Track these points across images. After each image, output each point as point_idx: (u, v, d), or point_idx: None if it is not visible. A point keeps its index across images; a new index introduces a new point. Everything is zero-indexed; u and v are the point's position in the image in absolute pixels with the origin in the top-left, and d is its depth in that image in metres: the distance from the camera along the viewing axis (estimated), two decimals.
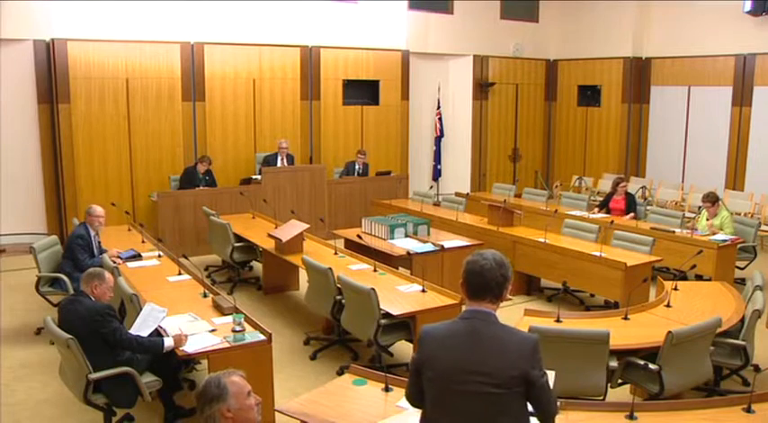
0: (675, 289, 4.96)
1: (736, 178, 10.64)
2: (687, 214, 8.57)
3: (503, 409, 2.26)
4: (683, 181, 11.20)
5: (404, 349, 5.16)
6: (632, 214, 7.94)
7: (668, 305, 4.67)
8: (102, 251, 6.03)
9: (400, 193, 10.00)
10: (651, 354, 3.91)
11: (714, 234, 6.95)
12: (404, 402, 3.14)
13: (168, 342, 3.95)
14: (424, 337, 2.41)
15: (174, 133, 9.25)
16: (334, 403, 3.19)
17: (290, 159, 9.50)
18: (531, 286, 7.16)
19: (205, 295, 4.87)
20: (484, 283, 2.31)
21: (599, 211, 8.24)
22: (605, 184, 10.65)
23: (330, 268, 5.14)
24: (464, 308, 2.39)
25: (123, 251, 6.05)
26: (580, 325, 4.28)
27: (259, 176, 9.13)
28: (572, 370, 3.76)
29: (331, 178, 9.84)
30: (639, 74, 11.92)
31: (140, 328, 4.21)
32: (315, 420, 3.01)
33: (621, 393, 4.27)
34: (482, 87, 12.19)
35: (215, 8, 9.32)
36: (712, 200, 7.24)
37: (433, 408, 2.39)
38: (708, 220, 7.23)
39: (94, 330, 3.85)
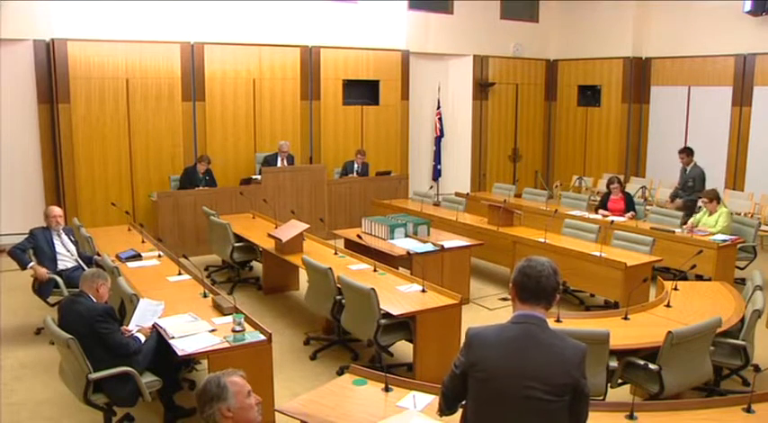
0: (675, 289, 4.96)
1: (736, 178, 10.65)
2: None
3: (551, 417, 2.25)
4: None
5: (404, 349, 5.15)
6: (632, 213, 7.94)
7: (668, 305, 4.67)
8: (86, 257, 6.00)
9: (400, 193, 10.00)
10: (651, 354, 3.91)
11: (714, 234, 6.96)
12: (404, 402, 3.15)
13: (141, 337, 4.12)
14: (474, 339, 2.38)
15: (174, 133, 9.25)
16: (334, 403, 3.19)
17: (290, 160, 9.50)
18: None
19: (205, 295, 4.87)
20: (542, 290, 2.32)
21: (595, 213, 8.21)
22: (605, 184, 10.64)
23: (330, 268, 5.14)
24: (515, 312, 2.37)
25: (123, 251, 6.05)
26: (580, 325, 4.28)
27: (259, 176, 9.13)
28: None
29: (331, 178, 9.84)
30: (639, 74, 11.92)
31: (139, 323, 4.23)
32: (315, 420, 3.01)
33: (621, 393, 4.27)
34: (482, 87, 12.19)
35: (215, 8, 9.32)
36: (710, 197, 7.25)
37: (479, 410, 2.35)
38: (710, 215, 7.26)
39: (95, 330, 3.85)
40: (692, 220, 7.37)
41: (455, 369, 2.41)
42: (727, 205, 9.23)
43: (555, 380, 2.23)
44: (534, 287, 2.33)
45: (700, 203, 7.74)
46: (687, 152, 8.53)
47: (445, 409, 2.54)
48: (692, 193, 8.38)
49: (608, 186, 8.29)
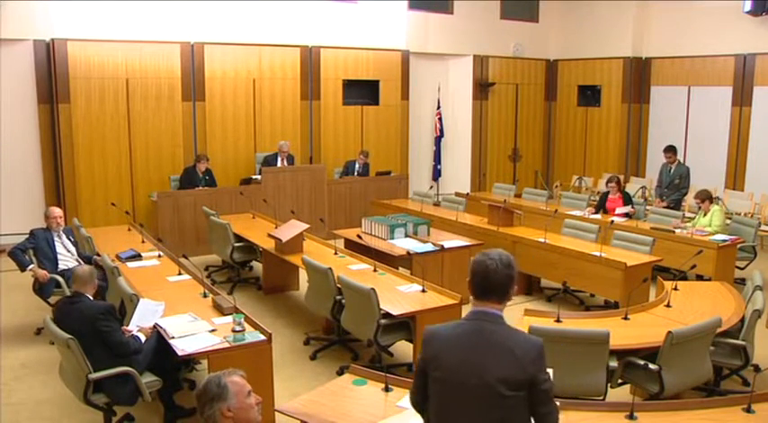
0: (675, 289, 4.96)
1: (736, 178, 10.65)
2: (687, 214, 8.58)
3: (508, 412, 2.24)
4: None
5: (404, 349, 5.16)
6: (630, 206, 7.99)
7: (668, 305, 4.67)
8: (85, 257, 6.01)
9: (400, 193, 10.00)
10: (651, 354, 3.91)
11: (713, 234, 6.97)
12: (404, 402, 3.15)
13: (142, 337, 4.12)
14: (429, 336, 2.40)
15: (174, 133, 9.25)
16: (335, 403, 3.19)
17: (290, 160, 9.50)
18: (531, 286, 7.17)
19: (205, 295, 4.87)
20: (489, 284, 2.30)
21: (596, 213, 8.21)
22: (605, 185, 10.65)
23: (330, 268, 5.14)
24: (470, 308, 2.38)
25: (123, 251, 6.05)
26: (580, 325, 4.28)
27: (259, 176, 9.13)
28: (572, 370, 3.76)
29: (331, 178, 9.84)
30: (639, 74, 11.92)
31: (139, 323, 4.23)
32: (315, 420, 3.01)
33: (621, 393, 4.27)
34: (482, 87, 12.19)
35: (215, 8, 9.33)
36: (702, 197, 7.30)
37: (438, 408, 2.37)
38: (704, 215, 7.28)
39: (96, 329, 3.85)
40: (690, 223, 7.39)
41: (417, 368, 2.44)
42: (727, 205, 9.28)
43: (510, 376, 2.21)
44: (482, 282, 2.31)
45: (693, 204, 7.78)
46: (673, 150, 8.55)
47: (424, 418, 2.52)
48: (676, 190, 8.44)
49: (607, 185, 8.33)
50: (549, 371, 3.10)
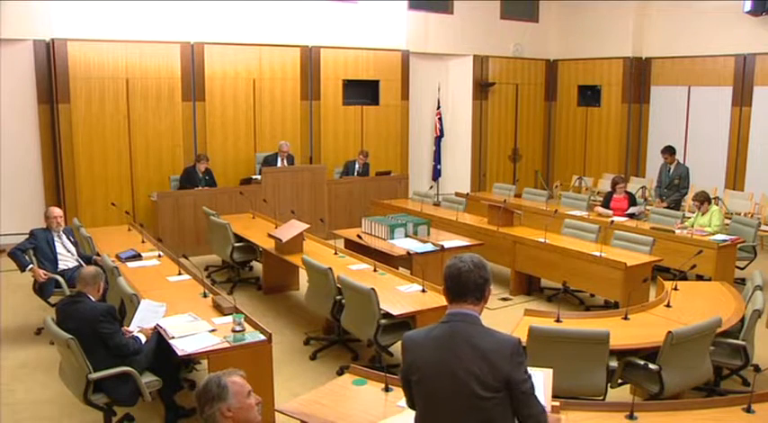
0: (675, 289, 4.96)
1: (736, 178, 10.65)
2: (687, 214, 8.58)
3: (488, 414, 2.23)
4: None
5: None
6: (636, 207, 8.04)
7: (668, 305, 4.67)
8: (85, 257, 6.01)
9: (400, 193, 10.00)
10: (651, 354, 3.91)
11: (713, 234, 6.97)
12: (404, 402, 3.15)
13: (142, 338, 4.12)
14: (407, 342, 2.42)
15: (174, 133, 9.25)
16: (335, 403, 3.19)
17: (291, 160, 9.50)
18: (531, 286, 7.17)
19: (205, 295, 4.87)
20: (463, 286, 2.32)
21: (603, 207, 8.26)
22: (605, 184, 10.65)
23: (330, 268, 5.14)
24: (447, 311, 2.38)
25: (123, 251, 6.05)
26: (580, 325, 4.28)
27: (259, 176, 9.13)
28: (572, 370, 3.76)
29: (331, 178, 9.84)
30: (639, 74, 11.92)
31: (140, 324, 4.23)
32: (315, 420, 3.01)
33: (621, 393, 4.27)
34: (482, 87, 12.19)
35: (215, 8, 9.33)
36: (701, 199, 7.31)
37: (422, 411, 2.37)
38: (702, 216, 7.29)
39: (97, 331, 3.85)
40: (688, 222, 7.40)
41: (400, 375, 2.44)
42: (727, 205, 9.28)
43: (485, 375, 2.21)
44: (456, 284, 2.33)
45: (692, 205, 7.79)
46: (670, 151, 8.58)
47: None
48: (676, 190, 8.46)
49: (614, 186, 8.30)
50: (548, 371, 3.11)
